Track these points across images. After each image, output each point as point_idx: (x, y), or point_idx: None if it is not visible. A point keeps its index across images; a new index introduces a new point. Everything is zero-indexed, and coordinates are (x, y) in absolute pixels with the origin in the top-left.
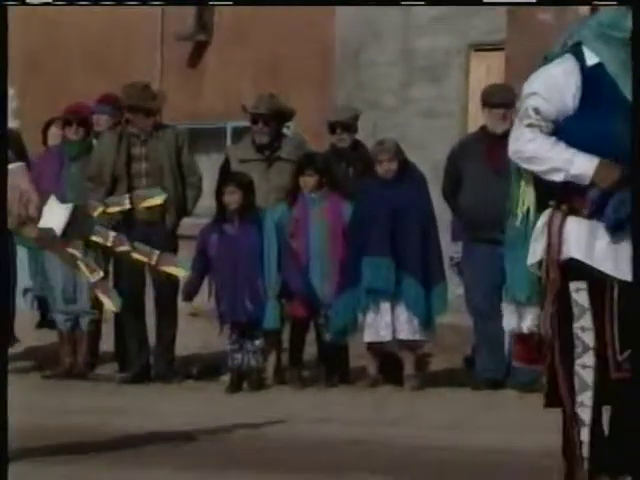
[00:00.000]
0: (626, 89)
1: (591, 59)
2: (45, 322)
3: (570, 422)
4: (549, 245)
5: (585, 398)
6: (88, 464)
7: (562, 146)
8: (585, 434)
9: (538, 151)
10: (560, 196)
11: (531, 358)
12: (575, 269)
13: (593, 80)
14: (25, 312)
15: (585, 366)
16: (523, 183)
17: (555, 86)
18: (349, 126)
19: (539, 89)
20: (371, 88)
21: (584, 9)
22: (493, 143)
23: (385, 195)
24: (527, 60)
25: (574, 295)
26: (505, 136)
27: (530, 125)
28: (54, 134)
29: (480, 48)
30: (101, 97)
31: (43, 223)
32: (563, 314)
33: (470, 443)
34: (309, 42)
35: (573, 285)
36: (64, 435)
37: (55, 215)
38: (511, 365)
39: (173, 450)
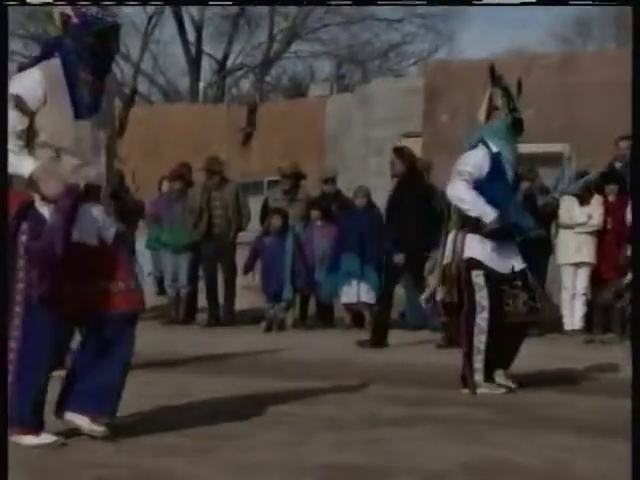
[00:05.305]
0: (511, 167)
1: (494, 148)
2: (161, 291)
3: (469, 351)
4: (455, 250)
5: (482, 338)
6: (184, 373)
7: (481, 198)
8: (478, 360)
9: (466, 197)
10: (466, 222)
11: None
12: (473, 264)
13: (495, 161)
14: (148, 287)
15: (483, 319)
16: (454, 214)
17: (478, 163)
18: (333, 180)
19: (470, 163)
20: (346, 158)
21: (480, 117)
22: None
23: (359, 218)
24: (435, 143)
25: (474, 279)
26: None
27: (464, 180)
28: (165, 185)
29: (408, 135)
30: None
31: None
32: (467, 291)
33: (407, 361)
34: (309, 130)
35: (474, 273)
36: (170, 356)
37: None
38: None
39: (232, 365)
